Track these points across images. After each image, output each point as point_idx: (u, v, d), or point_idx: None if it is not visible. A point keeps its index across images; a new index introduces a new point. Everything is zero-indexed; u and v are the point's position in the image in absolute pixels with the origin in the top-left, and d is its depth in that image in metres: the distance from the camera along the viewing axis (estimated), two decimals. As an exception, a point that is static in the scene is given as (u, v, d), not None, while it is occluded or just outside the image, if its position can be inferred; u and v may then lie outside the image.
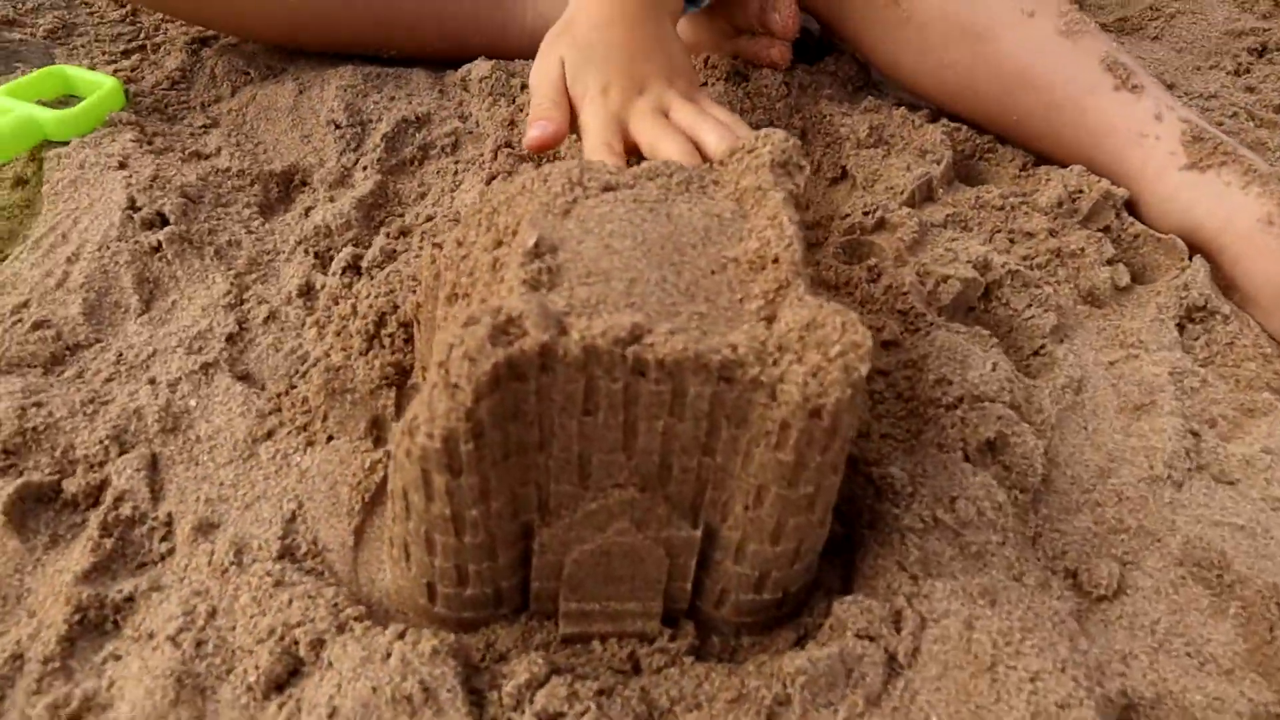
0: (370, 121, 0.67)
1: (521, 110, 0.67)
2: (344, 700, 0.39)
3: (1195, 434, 0.51)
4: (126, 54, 0.76)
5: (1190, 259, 0.59)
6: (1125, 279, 0.59)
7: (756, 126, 0.68)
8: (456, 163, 0.65)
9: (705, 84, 0.70)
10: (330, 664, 0.41)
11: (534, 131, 0.54)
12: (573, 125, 0.56)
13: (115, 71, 0.72)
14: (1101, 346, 0.56)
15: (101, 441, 0.49)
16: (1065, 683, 0.39)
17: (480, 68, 0.70)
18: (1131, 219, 0.61)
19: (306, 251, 0.59)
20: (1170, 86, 0.76)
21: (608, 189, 0.43)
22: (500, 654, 0.42)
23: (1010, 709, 0.39)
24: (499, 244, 0.43)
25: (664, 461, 0.39)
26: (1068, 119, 0.61)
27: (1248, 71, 0.77)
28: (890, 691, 0.41)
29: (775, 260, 0.40)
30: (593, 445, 0.38)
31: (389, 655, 0.40)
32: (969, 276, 0.55)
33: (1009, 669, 0.40)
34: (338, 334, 0.54)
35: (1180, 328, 0.57)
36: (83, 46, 0.76)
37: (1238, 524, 0.47)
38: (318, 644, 0.42)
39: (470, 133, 0.68)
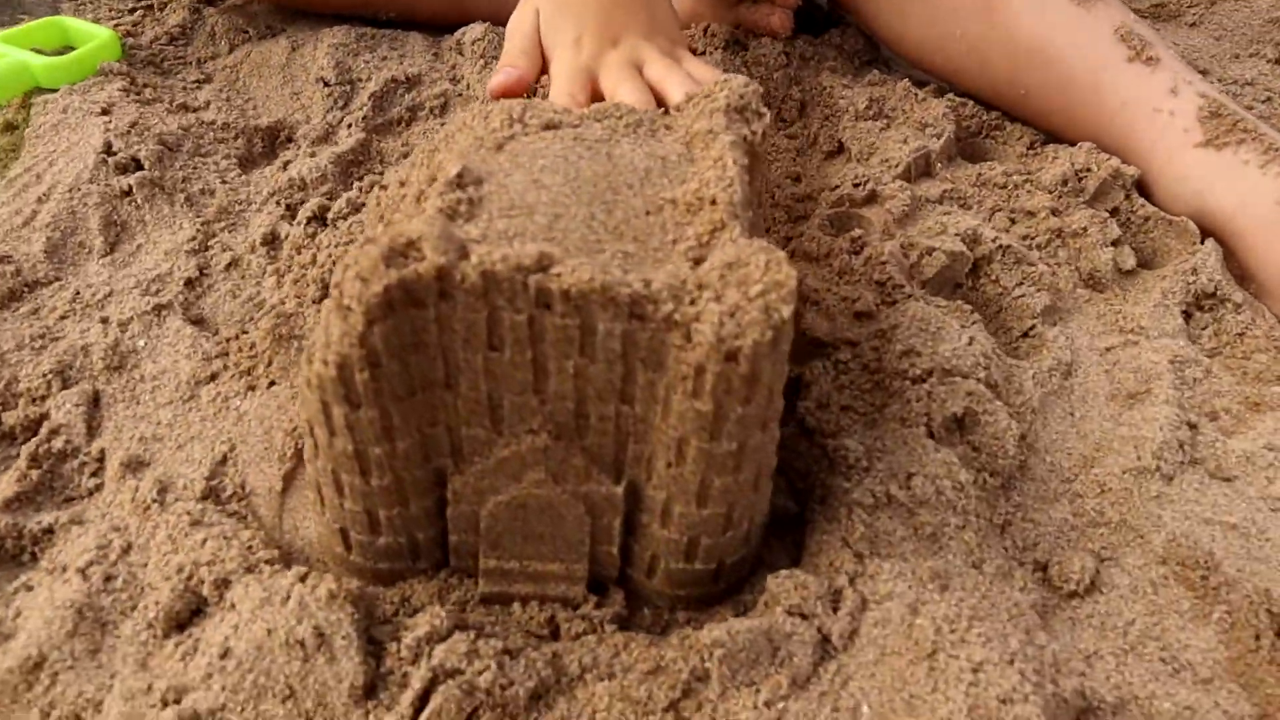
0: (360, 80, 0.66)
1: (511, 72, 0.65)
2: (239, 642, 0.38)
3: (1192, 426, 0.47)
4: (133, 10, 0.76)
5: (1203, 243, 0.55)
6: (1130, 262, 0.55)
7: (754, 97, 0.65)
8: (444, 124, 0.64)
9: (703, 52, 0.68)
10: (232, 605, 0.40)
11: (498, 78, 0.52)
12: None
13: (117, 26, 0.73)
14: (1099, 331, 0.52)
15: (45, 376, 0.48)
16: (1010, 676, 0.36)
17: (474, 30, 0.69)
18: (1142, 200, 0.57)
19: (278, 203, 0.58)
20: (1203, 73, 0.72)
21: (549, 127, 0.41)
22: (414, 609, 0.40)
23: (946, 699, 0.36)
24: (433, 180, 0.41)
25: (579, 409, 0.36)
26: (1079, 92, 0.57)
27: (1290, 60, 0.72)
28: (820, 674, 0.37)
29: (713, 202, 0.37)
30: (501, 385, 0.36)
31: (288, 598, 0.38)
32: (956, 250, 0.52)
33: (950, 658, 0.37)
34: (295, 282, 0.52)
35: (1187, 315, 0.53)
36: (89, 2, 0.77)
37: (1230, 523, 0.43)
38: (222, 584, 0.40)
39: (460, 95, 0.66)
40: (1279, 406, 0.48)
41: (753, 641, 0.37)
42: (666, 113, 0.44)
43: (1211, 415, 0.48)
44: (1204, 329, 0.53)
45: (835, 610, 0.39)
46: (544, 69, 0.55)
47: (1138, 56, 0.56)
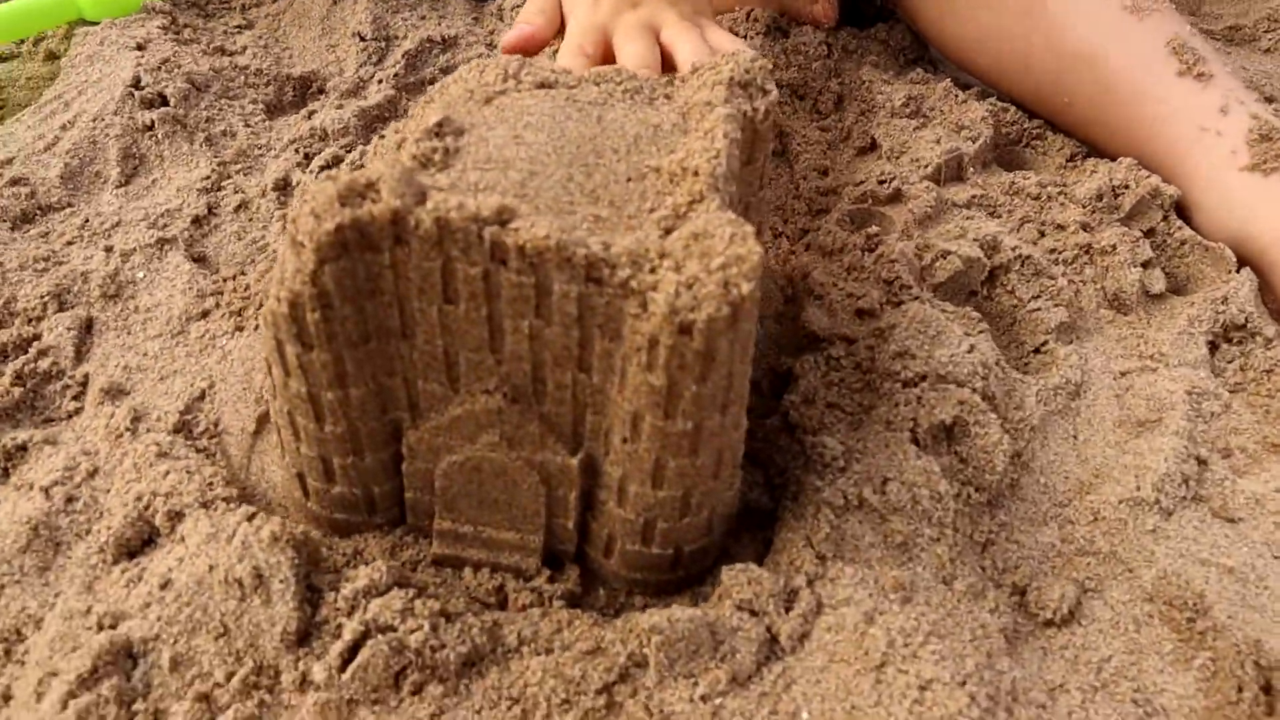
0: (396, 38, 0.66)
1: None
2: (180, 575, 0.38)
3: (1201, 461, 0.44)
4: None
5: (1239, 271, 0.52)
6: (1159, 286, 0.52)
7: (790, 85, 0.64)
8: (471, 87, 0.63)
9: (744, 36, 0.66)
10: (182, 538, 0.39)
11: (511, 34, 0.51)
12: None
13: (173, -33, 0.74)
14: (1117, 354, 0.50)
15: (43, 298, 0.49)
16: (958, 698, 0.34)
17: (515, -4, 0.68)
18: (1180, 222, 0.54)
19: (297, 150, 0.58)
20: (1269, 100, 0.68)
21: (543, 85, 0.40)
22: (365, 563, 0.40)
23: (888, 715, 0.34)
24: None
25: (536, 373, 0.35)
26: (1123, 104, 0.55)
27: (1370, 95, 0.68)
28: (763, 674, 0.36)
29: (695, 173, 0.36)
30: (457, 340, 0.35)
31: (233, 536, 0.38)
32: (972, 256, 0.50)
33: (899, 672, 0.35)
34: (299, 229, 0.52)
35: (1213, 346, 0.50)
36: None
37: (1227, 565, 0.41)
38: (176, 517, 0.40)
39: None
40: (1299, 450, 0.45)
41: (693, 632, 0.36)
42: (672, 82, 0.42)
43: (1225, 452, 0.45)
44: (1230, 362, 0.50)
45: (788, 610, 0.37)
46: (562, 29, 0.54)
47: (1189, 71, 0.53)
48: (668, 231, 0.34)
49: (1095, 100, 0.56)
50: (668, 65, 0.51)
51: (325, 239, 0.32)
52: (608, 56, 0.51)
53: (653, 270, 0.32)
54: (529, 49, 0.51)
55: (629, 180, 0.37)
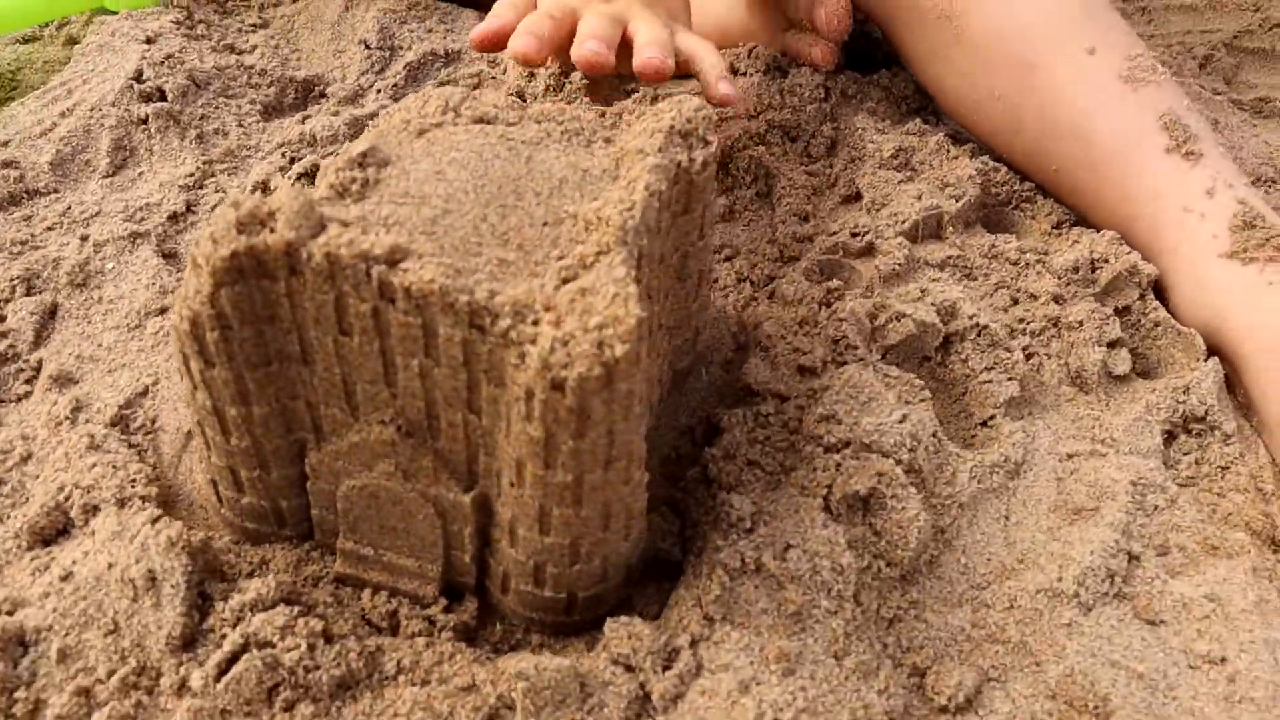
0: (400, 48, 0.67)
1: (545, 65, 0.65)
2: (82, 569, 0.39)
3: (1134, 557, 0.43)
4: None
5: (1207, 360, 0.50)
6: (1123, 367, 0.50)
7: (782, 125, 0.63)
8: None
9: (744, 73, 0.66)
10: (93, 533, 0.41)
11: (482, 26, 0.51)
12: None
13: (200, -38, 0.76)
14: (1068, 434, 0.48)
15: (12, 281, 0.50)
16: (818, 779, 0.33)
17: (522, 16, 0.68)
18: (1157, 304, 0.52)
19: (284, 154, 0.59)
20: (1272, 182, 0.65)
21: (481, 120, 0.41)
22: (268, 574, 0.40)
23: (744, 789, 0.33)
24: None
25: (430, 409, 0.35)
26: (1109, 177, 0.53)
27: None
28: (630, 731, 0.36)
29: (607, 223, 0.36)
30: (353, 370, 0.35)
31: (135, 537, 0.38)
32: (927, 320, 0.49)
33: (765, 746, 0.34)
34: (268, 233, 0.53)
35: (1171, 436, 0.48)
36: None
37: (1138, 670, 0.39)
38: (91, 510, 0.41)
39: (494, 78, 0.66)
40: (1237, 554, 0.43)
41: (560, 681, 0.35)
42: (616, 123, 0.42)
43: (1161, 549, 0.44)
44: (1186, 454, 0.48)
45: (666, 669, 0.37)
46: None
47: (1178, 148, 0.51)
48: (565, 281, 0.34)
49: (1082, 170, 0.54)
50: (625, 51, 0.51)
51: (220, 264, 0.32)
52: (569, 35, 0.51)
53: (535, 322, 0.32)
54: (494, 41, 0.51)
55: (544, 224, 0.37)
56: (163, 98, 0.60)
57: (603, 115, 0.42)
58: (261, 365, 0.35)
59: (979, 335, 0.49)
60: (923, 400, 0.46)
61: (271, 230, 0.32)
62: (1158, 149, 0.51)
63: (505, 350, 0.32)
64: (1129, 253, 0.52)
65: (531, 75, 0.66)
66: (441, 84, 0.67)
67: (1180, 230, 0.50)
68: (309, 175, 0.57)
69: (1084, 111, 0.53)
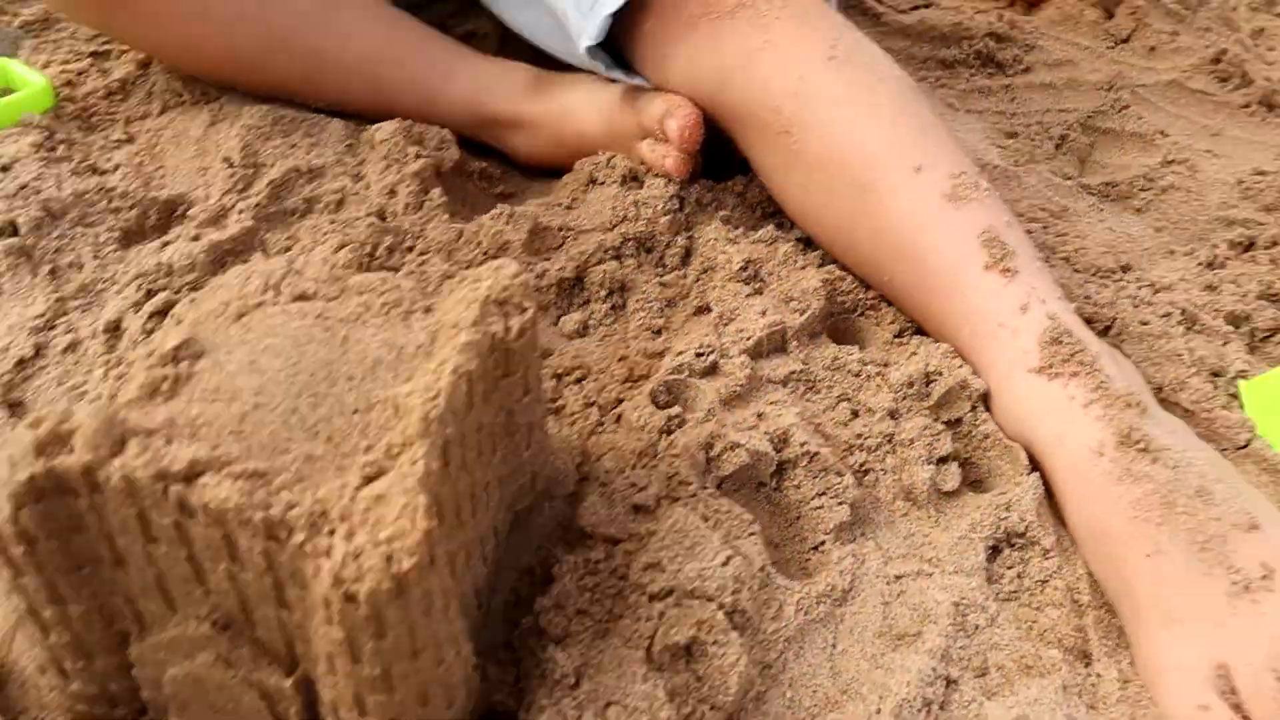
0: (264, 165, 0.68)
1: (405, 181, 0.66)
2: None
3: (951, 682, 0.45)
4: (96, 55, 0.79)
5: (1030, 474, 0.52)
6: (953, 482, 0.53)
7: (636, 238, 0.65)
8: (332, 222, 0.65)
9: (600, 183, 0.68)
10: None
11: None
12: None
13: (65, 73, 0.75)
14: (899, 555, 0.50)
15: None
16: None
17: (385, 128, 0.69)
18: (987, 415, 0.55)
19: (139, 287, 0.59)
20: (1125, 269, 0.69)
21: (301, 298, 0.41)
22: (103, 755, 0.41)
23: None
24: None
25: (244, 605, 0.36)
26: (938, 293, 0.56)
27: (1221, 266, 0.68)
28: None
29: (412, 412, 0.37)
30: (165, 572, 0.36)
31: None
32: (760, 450, 0.50)
33: None
34: (118, 379, 0.54)
35: (995, 551, 0.51)
36: (54, 42, 0.79)
37: (949, 801, 0.41)
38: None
39: (356, 194, 0.67)
40: (1049, 673, 0.46)
41: None
42: (439, 288, 0.44)
43: (980, 670, 0.46)
44: (1009, 568, 0.50)
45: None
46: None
47: (995, 265, 0.54)
48: (368, 480, 0.35)
49: (911, 285, 0.57)
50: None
51: (18, 488, 0.33)
52: None
53: (330, 532, 0.33)
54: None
55: (355, 412, 0.38)
56: (15, 232, 0.60)
57: (423, 282, 0.43)
58: (73, 570, 0.36)
59: (810, 463, 0.51)
60: (751, 535, 0.48)
61: (70, 451, 0.33)
62: (978, 266, 0.54)
63: (303, 560, 0.33)
64: (960, 366, 0.55)
65: (392, 193, 0.67)
66: (305, 200, 0.67)
67: (996, 346, 0.53)
68: (162, 313, 0.57)
69: (911, 229, 0.56)
